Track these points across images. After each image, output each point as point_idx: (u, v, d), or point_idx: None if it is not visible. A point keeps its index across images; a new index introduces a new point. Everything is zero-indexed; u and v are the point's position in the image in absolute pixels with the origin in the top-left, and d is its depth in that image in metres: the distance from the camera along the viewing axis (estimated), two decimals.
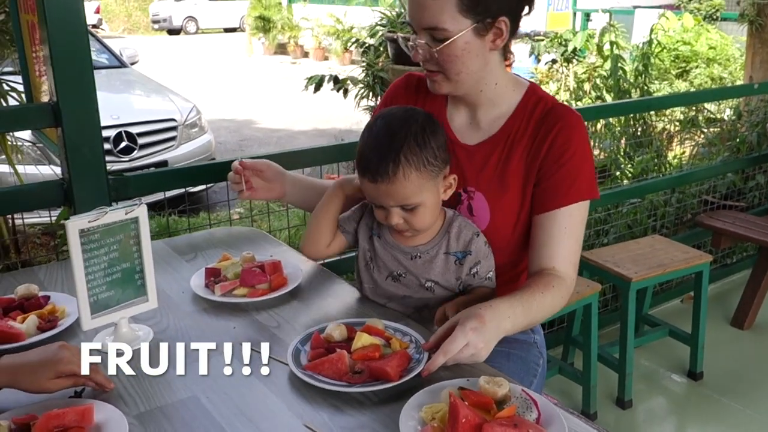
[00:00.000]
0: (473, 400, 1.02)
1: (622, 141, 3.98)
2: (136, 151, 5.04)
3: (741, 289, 3.36)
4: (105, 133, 4.53)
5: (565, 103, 4.41)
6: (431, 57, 1.36)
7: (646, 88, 4.39)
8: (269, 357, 1.24)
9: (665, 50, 6.91)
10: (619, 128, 3.99)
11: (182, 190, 2.05)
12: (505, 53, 1.44)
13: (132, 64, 6.88)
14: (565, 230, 1.39)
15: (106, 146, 4.91)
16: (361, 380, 1.15)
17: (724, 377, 2.92)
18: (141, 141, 5.12)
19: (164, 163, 5.29)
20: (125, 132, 5.00)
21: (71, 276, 1.22)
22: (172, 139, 5.47)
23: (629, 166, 3.79)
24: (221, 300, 1.46)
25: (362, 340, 1.21)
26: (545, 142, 1.39)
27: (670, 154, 4.32)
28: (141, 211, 1.28)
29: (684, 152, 4.39)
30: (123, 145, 4.97)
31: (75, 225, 1.20)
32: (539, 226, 1.41)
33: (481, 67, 1.39)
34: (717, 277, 3.70)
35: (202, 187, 4.36)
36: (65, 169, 1.72)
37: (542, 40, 6.34)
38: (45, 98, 1.77)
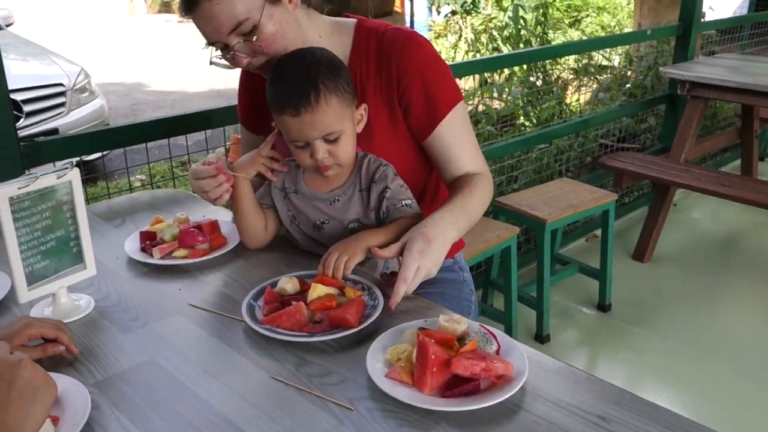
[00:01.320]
0: (436, 337, 1.05)
1: (520, 88, 4.11)
2: (22, 120, 4.72)
3: (639, 225, 3.59)
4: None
5: (465, 56, 4.49)
6: (254, 50, 1.35)
7: (545, 36, 4.52)
8: (223, 315, 1.23)
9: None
10: (521, 77, 4.11)
11: (78, 159, 1.93)
12: (309, 3, 1.43)
13: (7, 26, 6.39)
14: (456, 138, 1.45)
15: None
16: (322, 329, 1.16)
17: (630, 307, 3.13)
18: (27, 108, 4.79)
19: (54, 131, 4.97)
20: None
21: (2, 248, 1.15)
22: (61, 105, 5.14)
23: (533, 113, 3.92)
24: (161, 263, 1.42)
25: (317, 290, 1.22)
26: (392, 72, 1.41)
27: (568, 101, 4.50)
28: (74, 175, 1.21)
29: (579, 99, 4.59)
30: None
31: (4, 193, 1.12)
32: (432, 148, 1.47)
33: (296, 29, 1.38)
34: (617, 216, 3.92)
35: (99, 154, 4.15)
36: None
37: None
38: None
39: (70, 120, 5.07)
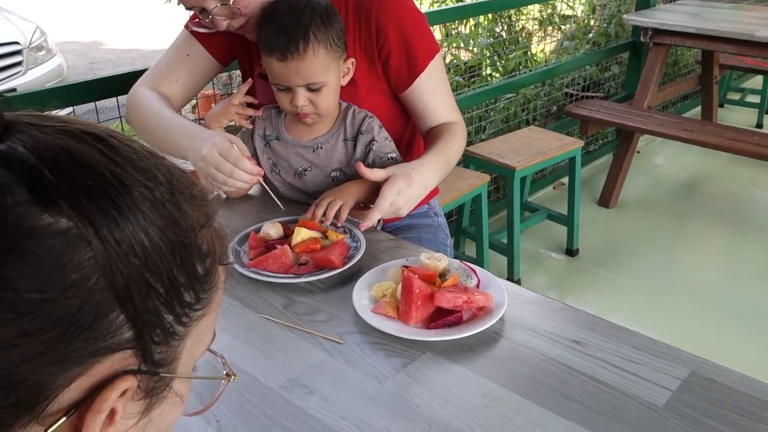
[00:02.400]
0: (419, 274, 1.09)
1: (491, 40, 4.12)
2: None
3: (604, 173, 3.67)
4: None
5: (430, 7, 4.47)
6: (232, 13, 1.34)
7: None
8: None
9: None
10: (487, 27, 4.11)
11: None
12: None
13: None
14: (434, 91, 1.49)
15: None
16: (307, 270, 1.20)
17: (597, 251, 3.23)
18: None
19: (12, 90, 4.85)
20: None
21: None
22: (18, 64, 4.99)
23: (500, 63, 3.94)
24: None
25: (301, 234, 1.25)
26: (371, 28, 1.42)
27: (533, 51, 4.52)
28: None
29: (544, 49, 4.61)
30: None
31: None
32: (410, 100, 1.50)
33: None
34: (583, 163, 4.00)
35: (70, 109, 4.08)
36: None
37: None
38: None
39: (28, 79, 4.93)
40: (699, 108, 4.41)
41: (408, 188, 1.30)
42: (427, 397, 0.92)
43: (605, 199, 3.60)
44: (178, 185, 0.49)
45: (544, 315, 1.09)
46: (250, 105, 1.51)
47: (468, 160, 2.90)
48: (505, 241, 2.95)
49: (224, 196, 1.52)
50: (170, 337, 0.48)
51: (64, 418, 0.43)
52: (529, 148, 2.93)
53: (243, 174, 1.28)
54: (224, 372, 0.59)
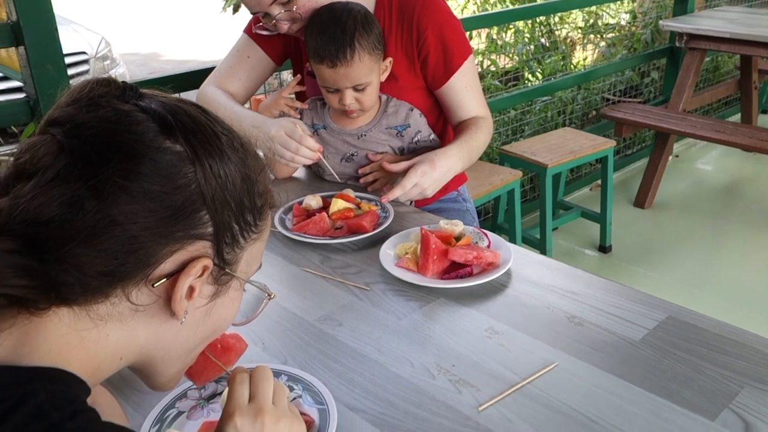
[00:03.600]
0: (437, 235, 1.26)
1: (531, 47, 4.26)
2: None
3: (641, 176, 3.76)
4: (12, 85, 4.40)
5: (473, 11, 4.63)
6: (293, 18, 1.53)
7: None
8: None
9: None
10: (528, 34, 4.26)
11: None
12: None
13: None
14: (466, 89, 1.66)
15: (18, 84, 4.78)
16: (342, 233, 1.38)
17: (630, 249, 3.32)
18: None
19: None
20: None
21: None
22: (85, 73, 5.34)
23: (539, 69, 4.08)
24: None
25: (338, 204, 1.43)
26: (412, 31, 1.60)
27: (575, 60, 4.64)
28: None
29: (586, 58, 4.73)
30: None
31: None
32: (444, 95, 1.68)
33: None
34: (620, 166, 4.11)
35: None
36: (31, 87, 1.82)
37: None
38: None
39: None
40: (740, 114, 4.45)
41: (432, 171, 1.49)
42: (437, 330, 1.09)
43: (641, 200, 3.69)
44: (246, 142, 0.70)
45: (547, 271, 1.25)
46: (298, 97, 1.71)
47: (503, 158, 3.05)
48: (538, 236, 3.08)
49: (273, 177, 1.72)
50: (235, 244, 0.68)
51: (165, 279, 0.63)
52: (562, 147, 3.06)
53: (306, 150, 1.50)
54: (266, 294, 0.79)
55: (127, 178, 0.59)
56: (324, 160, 1.58)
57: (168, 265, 0.63)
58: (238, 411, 0.68)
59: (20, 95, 4.70)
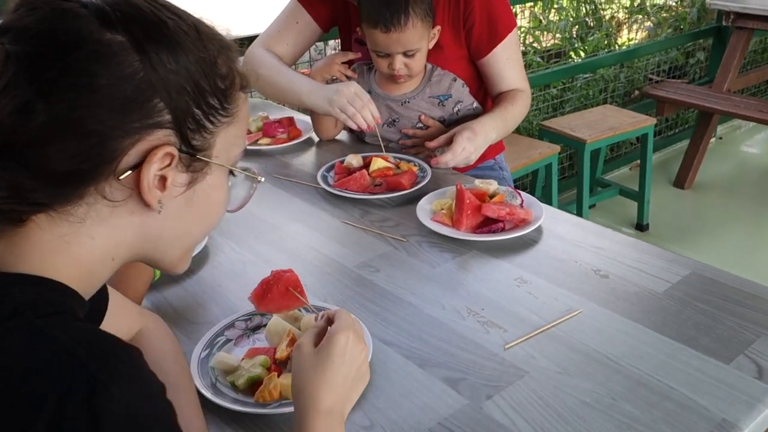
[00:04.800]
0: (472, 191, 1.32)
1: (574, 30, 4.25)
2: None
3: (682, 157, 3.73)
4: None
5: None
6: None
7: None
8: (302, 183, 1.54)
9: None
10: (573, 12, 4.24)
11: None
12: None
13: None
14: (507, 60, 1.70)
15: None
16: (381, 190, 1.45)
17: (668, 228, 3.32)
18: None
19: None
20: None
21: None
22: None
23: (582, 47, 4.06)
24: (249, 148, 1.73)
25: (377, 163, 1.50)
26: (459, 1, 1.64)
27: (620, 41, 4.60)
28: None
29: (632, 39, 4.68)
30: None
31: None
32: (487, 66, 1.72)
33: None
34: (661, 147, 4.08)
35: None
36: None
37: None
38: None
39: None
40: None
41: (475, 137, 1.54)
42: (469, 278, 1.15)
43: (680, 180, 3.68)
44: (199, 24, 0.68)
45: (577, 230, 1.30)
46: (349, 64, 1.77)
47: (542, 133, 3.08)
48: (575, 213, 3.10)
49: (317, 139, 1.80)
50: (202, 129, 0.66)
51: (130, 171, 0.63)
52: (601, 123, 3.07)
53: (368, 113, 1.57)
54: (254, 180, 0.78)
55: (72, 75, 0.59)
56: (378, 131, 1.62)
57: (131, 157, 0.63)
58: (353, 330, 0.77)
59: None
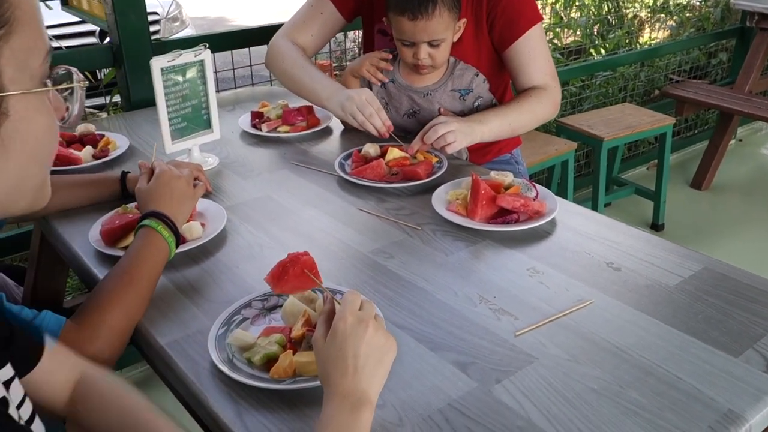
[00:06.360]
0: (488, 183, 1.33)
1: (595, 28, 4.23)
2: None
3: (700, 158, 3.71)
4: (88, 28, 4.58)
5: None
6: None
7: None
8: (320, 170, 1.56)
9: None
10: (594, 10, 4.22)
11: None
12: None
13: None
14: (531, 53, 1.70)
15: (92, 40, 4.97)
16: (397, 179, 1.47)
17: (683, 229, 3.31)
18: None
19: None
20: None
21: (149, 115, 1.49)
22: (156, 32, 5.53)
23: (603, 45, 4.05)
24: (269, 135, 1.75)
25: (394, 153, 1.52)
26: None
27: (642, 40, 4.58)
28: (207, 55, 1.54)
29: (655, 39, 4.65)
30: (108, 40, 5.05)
31: (157, 63, 1.46)
32: (509, 59, 1.72)
33: None
34: (679, 147, 4.06)
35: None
36: (115, 35, 1.95)
37: None
38: None
39: None
40: None
41: (451, 123, 1.54)
42: (482, 267, 1.17)
43: (698, 181, 3.66)
44: None
45: (590, 223, 1.31)
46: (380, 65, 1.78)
47: (559, 130, 3.07)
48: (590, 208, 3.09)
49: (335, 128, 1.82)
50: None
51: None
52: (620, 121, 3.06)
53: (378, 120, 1.58)
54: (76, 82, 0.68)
55: None
56: (394, 137, 1.62)
57: None
58: (350, 313, 0.78)
59: (89, 39, 4.84)
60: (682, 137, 4.14)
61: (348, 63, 3.38)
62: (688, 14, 4.50)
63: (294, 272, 0.96)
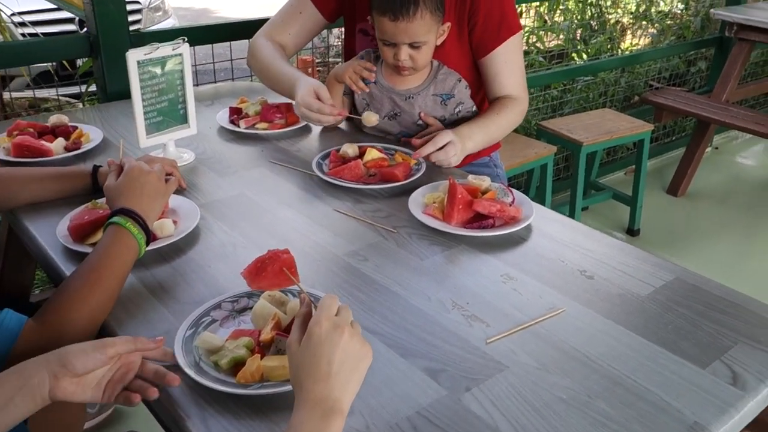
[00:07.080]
0: (465, 187, 1.33)
1: (578, 33, 4.25)
2: None
3: (677, 164, 3.75)
4: (67, 15, 4.51)
5: None
6: None
7: None
8: (297, 169, 1.54)
9: None
10: (578, 15, 4.24)
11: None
12: None
13: None
14: (507, 63, 1.70)
15: (72, 27, 4.90)
16: (374, 181, 1.46)
17: (659, 234, 3.34)
18: None
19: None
20: None
21: (125, 108, 1.47)
22: (137, 22, 5.46)
23: (584, 50, 4.07)
24: (247, 131, 1.73)
25: (372, 153, 1.51)
26: (465, 0, 1.65)
27: (624, 45, 4.61)
28: (185, 49, 1.51)
29: (637, 44, 4.69)
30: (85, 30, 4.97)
31: (134, 56, 1.43)
32: (485, 66, 1.72)
33: None
34: (657, 153, 4.10)
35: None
36: (92, 24, 1.92)
37: None
38: None
39: None
40: None
41: (459, 141, 1.56)
42: (456, 272, 1.17)
43: (674, 188, 3.69)
44: None
45: (565, 230, 1.31)
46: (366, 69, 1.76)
47: (539, 133, 3.09)
48: (567, 214, 3.11)
49: (313, 126, 1.80)
50: None
51: None
52: (599, 126, 3.08)
53: (326, 117, 1.58)
54: None
55: None
56: (351, 115, 1.63)
57: None
58: (325, 318, 0.77)
59: (68, 27, 4.75)
60: (659, 143, 4.18)
61: (331, 59, 3.36)
62: (669, 22, 4.54)
63: (272, 269, 0.95)
